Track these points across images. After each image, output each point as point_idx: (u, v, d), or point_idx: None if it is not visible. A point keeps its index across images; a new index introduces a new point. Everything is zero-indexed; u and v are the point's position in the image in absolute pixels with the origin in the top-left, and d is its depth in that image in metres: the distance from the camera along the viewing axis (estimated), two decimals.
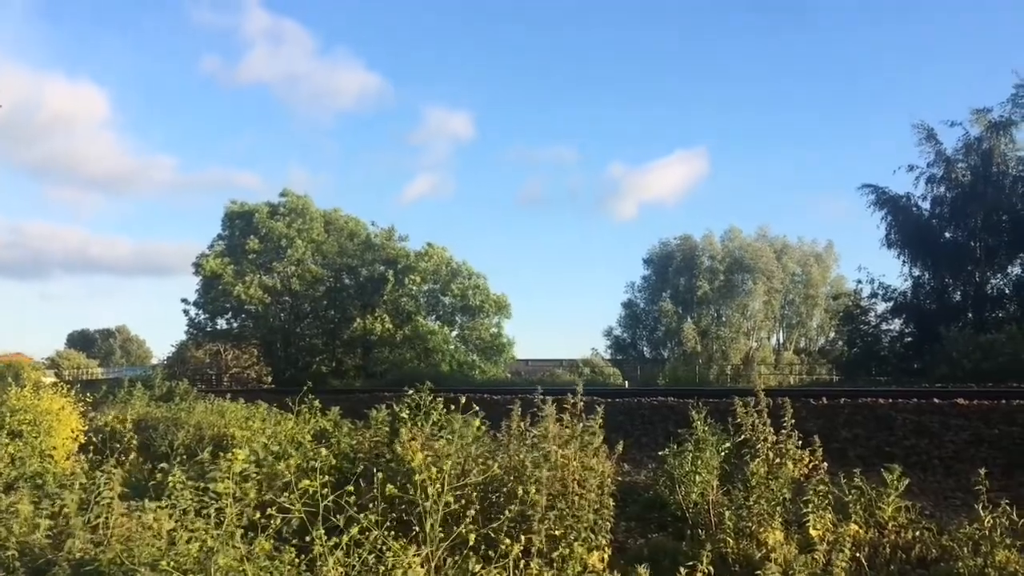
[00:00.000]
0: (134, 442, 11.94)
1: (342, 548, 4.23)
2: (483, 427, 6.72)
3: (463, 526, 4.56)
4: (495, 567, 4.47)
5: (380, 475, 5.32)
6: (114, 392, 22.01)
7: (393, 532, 4.55)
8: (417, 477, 4.75)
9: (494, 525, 4.80)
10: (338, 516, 4.43)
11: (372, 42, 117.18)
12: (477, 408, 6.80)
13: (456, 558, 4.60)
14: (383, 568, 4.21)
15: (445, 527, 4.69)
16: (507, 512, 4.90)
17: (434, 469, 4.77)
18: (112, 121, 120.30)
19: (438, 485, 4.67)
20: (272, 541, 4.30)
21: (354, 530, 4.32)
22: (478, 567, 4.53)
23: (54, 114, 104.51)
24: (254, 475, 5.45)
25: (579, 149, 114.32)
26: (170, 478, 5.88)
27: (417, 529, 4.74)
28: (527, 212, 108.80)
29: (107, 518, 5.53)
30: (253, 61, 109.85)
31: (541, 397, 6.95)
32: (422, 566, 4.15)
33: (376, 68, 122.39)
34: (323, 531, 4.25)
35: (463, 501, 4.99)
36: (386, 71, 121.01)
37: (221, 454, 6.19)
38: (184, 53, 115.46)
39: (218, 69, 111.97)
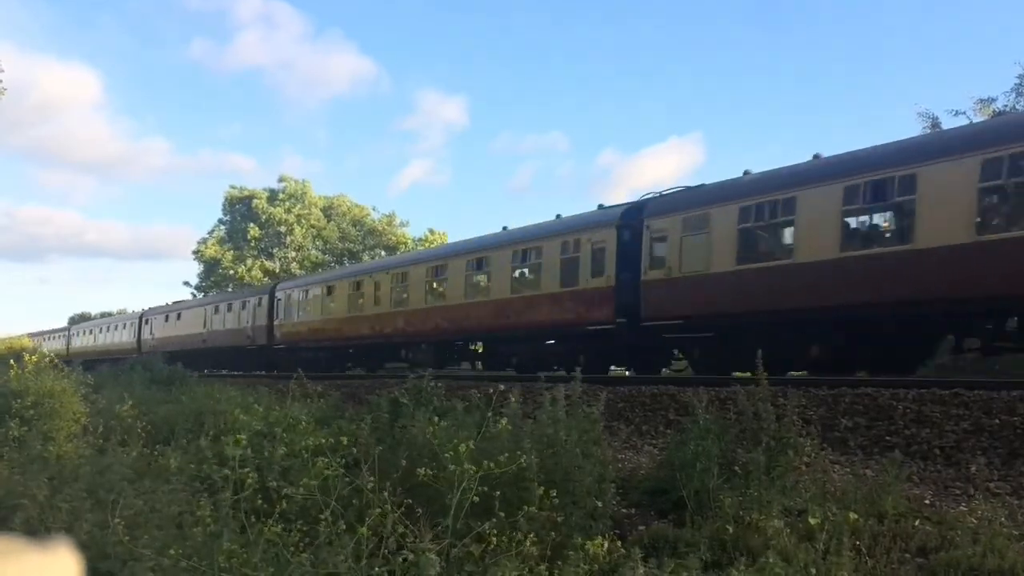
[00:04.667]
0: (136, 426, 11.97)
1: (357, 531, 4.24)
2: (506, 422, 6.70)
3: (487, 524, 4.58)
4: (501, 555, 4.48)
5: (404, 461, 5.37)
6: (115, 375, 22.05)
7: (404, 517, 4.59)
8: (454, 468, 4.75)
9: (511, 520, 4.81)
10: (353, 500, 4.47)
11: (364, 25, 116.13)
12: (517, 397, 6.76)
13: (463, 544, 4.63)
14: (397, 558, 4.22)
15: (462, 518, 4.72)
16: (526, 508, 4.91)
17: (467, 464, 4.77)
18: (105, 104, 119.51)
19: (470, 480, 4.69)
20: (278, 525, 4.32)
21: (376, 512, 4.35)
22: (484, 553, 4.56)
23: (46, 97, 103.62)
24: (253, 459, 5.47)
25: (571, 136, 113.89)
26: (171, 463, 5.92)
27: (420, 512, 4.76)
28: (519, 198, 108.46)
29: (114, 502, 5.55)
30: (245, 44, 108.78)
31: (545, 385, 6.98)
32: (438, 555, 4.16)
33: (369, 52, 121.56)
34: (332, 515, 4.28)
35: (487, 493, 5.00)
36: (379, 55, 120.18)
37: (221, 438, 6.21)
38: (175, 35, 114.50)
39: (209, 52, 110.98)
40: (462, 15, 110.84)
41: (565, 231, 19.92)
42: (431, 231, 49.56)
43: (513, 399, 7.15)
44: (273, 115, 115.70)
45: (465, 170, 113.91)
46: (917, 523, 6.30)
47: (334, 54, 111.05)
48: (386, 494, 4.60)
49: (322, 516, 4.28)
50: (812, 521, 6.03)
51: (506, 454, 5.09)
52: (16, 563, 0.57)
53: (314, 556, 4.20)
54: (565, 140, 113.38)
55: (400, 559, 4.19)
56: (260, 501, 4.70)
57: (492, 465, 4.85)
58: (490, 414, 6.80)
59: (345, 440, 5.17)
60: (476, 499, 4.67)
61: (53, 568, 0.59)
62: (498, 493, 4.92)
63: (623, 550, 5.00)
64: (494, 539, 4.52)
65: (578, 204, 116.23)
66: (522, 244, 21.39)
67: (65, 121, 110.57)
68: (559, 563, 4.67)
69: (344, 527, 4.31)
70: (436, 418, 6.66)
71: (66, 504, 5.76)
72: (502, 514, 4.74)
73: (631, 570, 4.34)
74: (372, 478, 4.85)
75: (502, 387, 6.86)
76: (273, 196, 52.40)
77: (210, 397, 13.72)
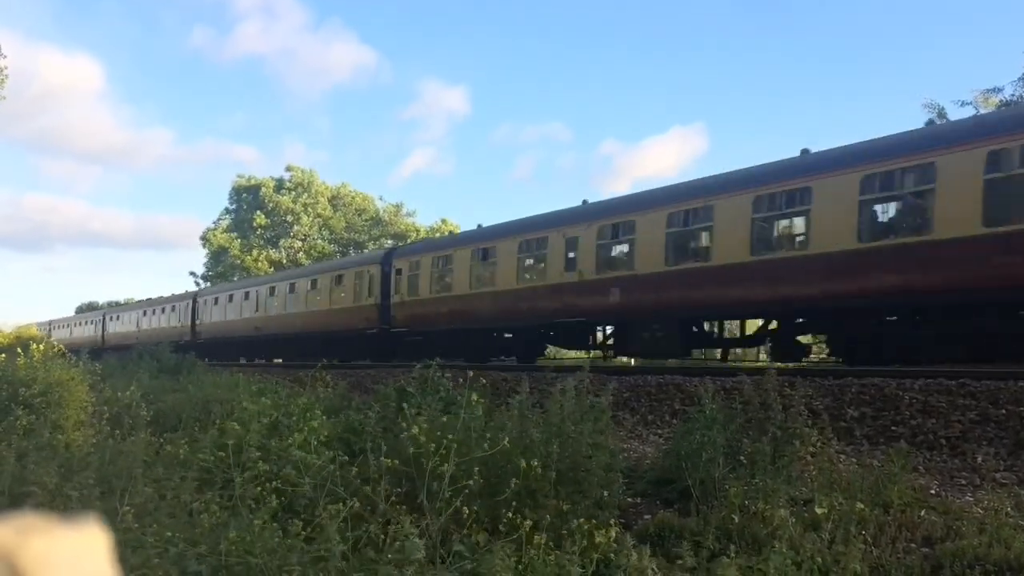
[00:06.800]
0: (144, 415, 12.01)
1: (346, 519, 4.27)
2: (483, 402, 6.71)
3: (459, 498, 4.61)
4: (503, 541, 4.50)
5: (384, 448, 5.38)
6: (123, 364, 22.14)
7: (404, 506, 4.61)
8: (413, 450, 4.79)
9: (497, 499, 4.83)
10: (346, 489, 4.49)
11: (364, 15, 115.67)
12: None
13: (463, 531, 4.65)
14: (387, 540, 4.25)
15: (450, 500, 4.74)
16: (512, 485, 4.93)
17: (432, 444, 4.80)
18: (107, 93, 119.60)
19: (436, 459, 4.72)
20: (280, 512, 4.36)
21: (366, 494, 4.38)
22: (483, 539, 4.58)
23: (49, 86, 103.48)
24: (260, 448, 5.51)
25: (572, 126, 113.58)
26: (181, 453, 5.95)
27: (425, 502, 4.79)
28: (522, 188, 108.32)
29: (123, 490, 5.59)
30: (245, 33, 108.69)
31: (553, 374, 7.01)
32: (420, 537, 4.18)
33: (369, 41, 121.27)
34: (328, 503, 4.31)
35: (466, 474, 5.02)
36: (379, 44, 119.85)
37: (231, 427, 6.25)
38: (176, 24, 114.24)
39: (210, 41, 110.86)
40: (462, 4, 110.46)
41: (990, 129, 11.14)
42: (443, 220, 49.56)
43: (523, 389, 7.17)
44: (275, 104, 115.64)
45: (467, 159, 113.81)
46: (923, 513, 6.31)
47: (334, 43, 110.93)
48: (385, 482, 4.63)
49: (321, 502, 4.30)
50: (819, 511, 6.04)
51: (488, 436, 5.12)
52: (46, 540, 0.58)
53: (314, 542, 4.23)
54: (567, 130, 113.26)
55: (395, 545, 4.22)
56: (271, 485, 4.73)
57: (485, 447, 4.87)
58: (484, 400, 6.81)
59: (357, 423, 5.21)
60: (450, 474, 4.69)
61: (83, 545, 0.59)
62: (478, 468, 4.93)
63: (629, 541, 5.01)
64: (467, 510, 4.53)
65: (579, 195, 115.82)
66: (878, 165, 12.75)
67: (68, 110, 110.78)
68: (560, 551, 4.69)
69: (343, 513, 4.34)
70: (416, 412, 6.63)
71: (76, 492, 5.80)
72: (471, 484, 4.76)
73: (625, 558, 4.37)
74: (375, 464, 4.87)
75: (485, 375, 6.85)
76: (280, 185, 52.41)
77: (217, 386, 13.79)
